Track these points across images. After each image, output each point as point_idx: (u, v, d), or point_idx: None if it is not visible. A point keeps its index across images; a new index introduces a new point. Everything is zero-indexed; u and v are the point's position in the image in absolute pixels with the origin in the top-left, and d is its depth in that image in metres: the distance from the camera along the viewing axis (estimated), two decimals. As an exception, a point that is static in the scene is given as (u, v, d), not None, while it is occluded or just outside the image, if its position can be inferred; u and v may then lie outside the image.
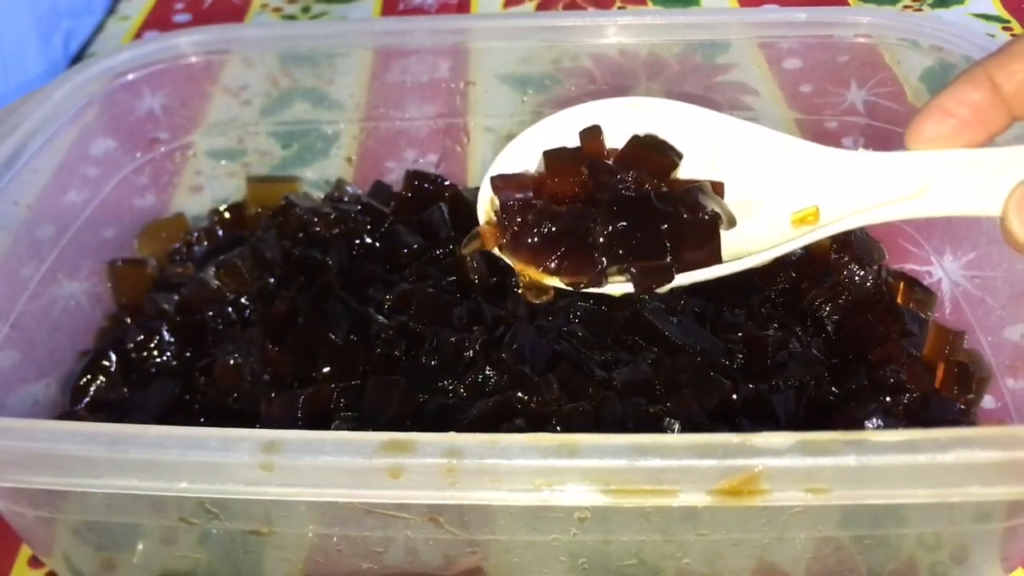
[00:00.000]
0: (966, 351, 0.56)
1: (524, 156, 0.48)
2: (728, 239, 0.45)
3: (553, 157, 0.47)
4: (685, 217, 0.44)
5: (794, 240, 0.44)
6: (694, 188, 0.45)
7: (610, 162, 0.46)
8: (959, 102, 0.39)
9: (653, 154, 0.46)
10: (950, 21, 0.70)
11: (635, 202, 0.44)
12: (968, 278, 0.59)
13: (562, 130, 0.48)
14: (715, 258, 0.45)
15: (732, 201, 0.46)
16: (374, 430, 0.36)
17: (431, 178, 0.67)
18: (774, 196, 0.45)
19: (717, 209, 0.44)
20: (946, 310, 0.60)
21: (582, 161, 0.46)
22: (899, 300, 0.60)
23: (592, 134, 0.47)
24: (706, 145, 0.46)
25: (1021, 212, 0.37)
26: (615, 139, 0.47)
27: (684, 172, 0.47)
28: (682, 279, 0.45)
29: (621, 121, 0.47)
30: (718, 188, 0.46)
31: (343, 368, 0.53)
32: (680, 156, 0.46)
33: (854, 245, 0.60)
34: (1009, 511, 0.41)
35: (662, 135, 0.47)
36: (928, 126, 0.40)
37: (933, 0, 0.93)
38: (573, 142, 0.47)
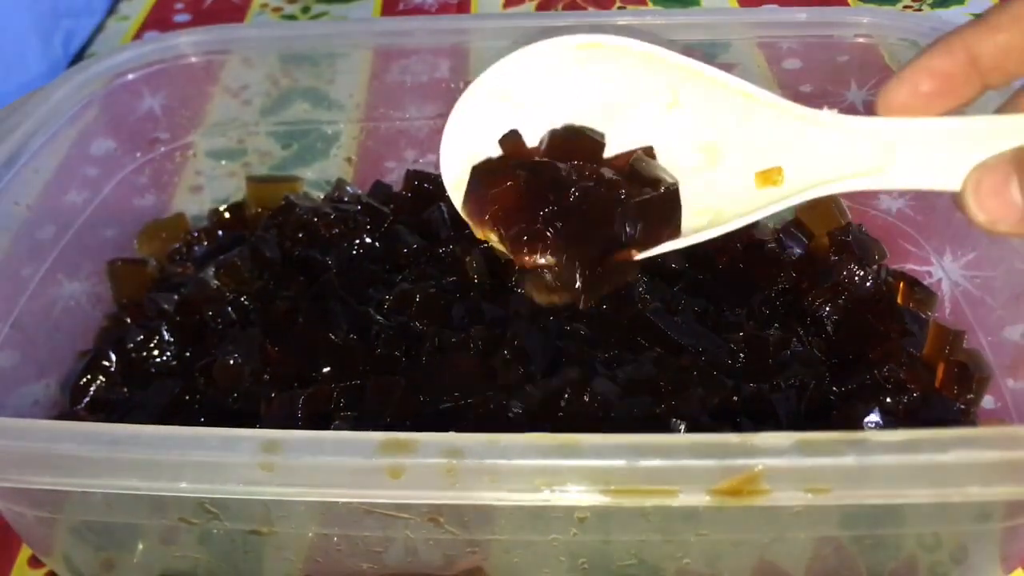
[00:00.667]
0: (966, 351, 0.56)
1: (474, 119, 0.46)
2: (694, 191, 0.44)
3: (482, 171, 0.45)
4: (650, 196, 0.43)
5: (761, 209, 0.42)
6: (636, 160, 0.44)
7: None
8: (932, 71, 0.39)
9: (578, 141, 0.45)
10: (950, 21, 0.70)
11: (593, 194, 0.43)
12: (968, 278, 0.59)
13: (506, 82, 0.46)
14: (677, 230, 0.44)
15: (697, 144, 0.44)
16: (374, 430, 0.36)
17: (431, 178, 0.67)
18: (738, 147, 0.44)
19: (667, 177, 0.44)
20: (946, 310, 0.60)
21: (513, 168, 0.45)
22: (899, 300, 0.60)
23: (512, 139, 0.45)
24: (668, 85, 0.44)
25: (977, 194, 0.37)
26: (564, 88, 0.45)
27: (643, 114, 0.45)
28: (651, 252, 0.44)
29: (566, 66, 0.45)
30: (648, 153, 0.45)
31: (343, 368, 0.53)
32: (602, 136, 0.45)
33: (853, 245, 0.60)
34: (1009, 511, 0.41)
35: (617, 77, 0.45)
36: (899, 94, 0.40)
37: (933, 0, 0.93)
38: (520, 93, 0.45)
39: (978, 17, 0.39)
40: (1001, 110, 0.39)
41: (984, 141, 0.37)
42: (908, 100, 0.40)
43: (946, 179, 0.38)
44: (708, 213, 0.44)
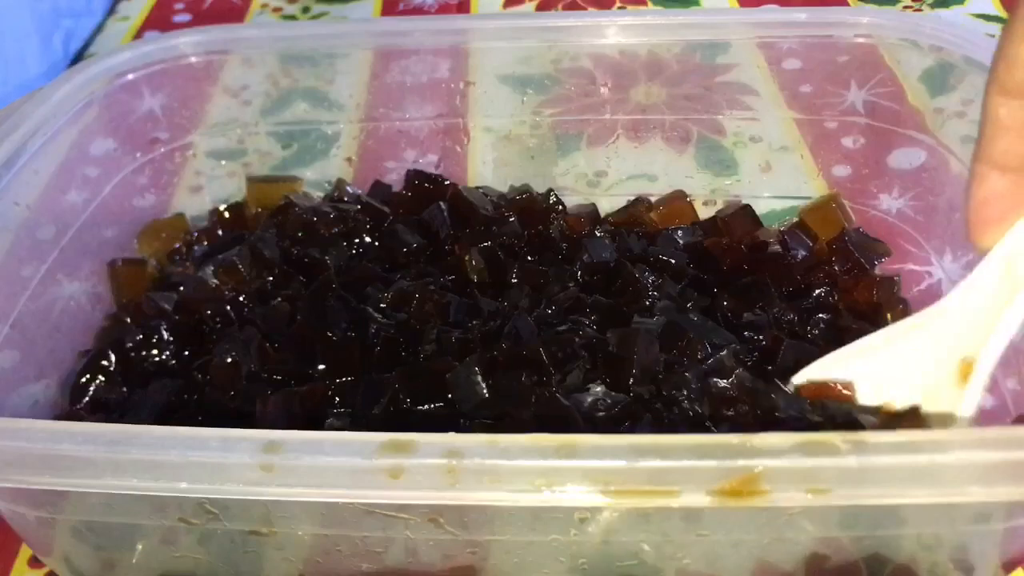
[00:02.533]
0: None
1: None
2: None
3: None
4: None
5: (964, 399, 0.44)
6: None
7: None
8: (991, 161, 0.35)
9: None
10: (950, 21, 0.70)
11: None
12: (968, 278, 0.59)
13: None
14: None
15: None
16: (367, 429, 0.36)
17: (432, 178, 0.67)
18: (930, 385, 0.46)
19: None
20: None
21: None
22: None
23: None
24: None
25: None
26: None
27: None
28: None
29: None
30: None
31: (341, 366, 0.53)
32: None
33: (851, 247, 0.60)
34: (1009, 511, 0.40)
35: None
36: (983, 203, 0.36)
37: (933, 0, 0.93)
38: None
39: (994, 66, 0.35)
40: None
41: None
42: (995, 194, 0.36)
43: None
44: None
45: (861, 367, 0.48)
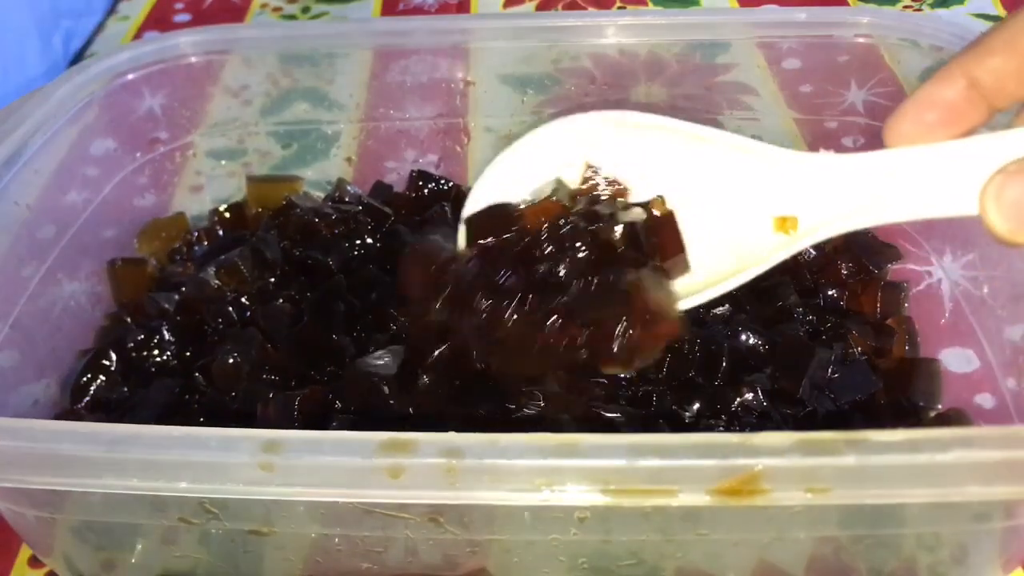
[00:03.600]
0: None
1: (506, 180, 0.49)
2: (716, 248, 0.46)
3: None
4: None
5: (777, 254, 0.44)
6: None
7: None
8: (934, 101, 0.39)
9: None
10: (950, 21, 0.70)
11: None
12: (968, 278, 0.59)
13: (544, 147, 0.48)
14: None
15: (717, 205, 0.47)
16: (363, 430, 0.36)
17: (435, 179, 0.67)
18: (755, 203, 0.45)
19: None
20: (946, 310, 0.60)
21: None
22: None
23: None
24: (691, 156, 0.47)
25: (999, 203, 0.36)
26: (599, 155, 0.48)
27: (665, 172, 0.47)
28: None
29: (603, 136, 0.48)
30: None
31: (342, 369, 0.53)
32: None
33: (857, 251, 0.60)
34: (1009, 511, 0.41)
35: (645, 151, 0.48)
36: (903, 125, 0.40)
37: (933, 0, 0.93)
38: (554, 160, 0.48)
39: (975, 41, 0.39)
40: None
41: (993, 157, 0.37)
42: (913, 130, 0.40)
43: (957, 202, 0.38)
44: (731, 260, 0.46)
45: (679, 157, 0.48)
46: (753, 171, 0.45)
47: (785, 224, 0.44)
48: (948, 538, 0.44)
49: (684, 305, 0.46)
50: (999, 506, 0.40)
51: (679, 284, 0.47)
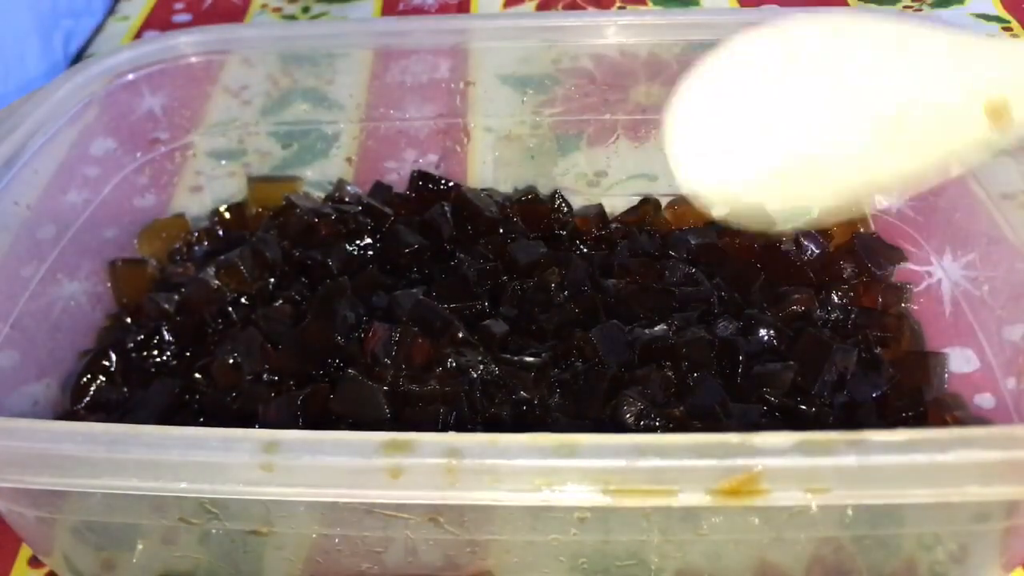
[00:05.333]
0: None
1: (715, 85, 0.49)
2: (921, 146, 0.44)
3: None
4: None
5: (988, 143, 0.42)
6: None
7: None
8: None
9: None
10: (950, 21, 0.70)
11: None
12: (968, 278, 0.59)
13: (752, 55, 0.49)
14: None
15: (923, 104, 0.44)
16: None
17: (435, 179, 0.67)
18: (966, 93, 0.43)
19: None
20: (946, 310, 0.60)
21: None
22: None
23: None
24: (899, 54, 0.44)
25: None
26: (811, 64, 0.47)
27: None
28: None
29: (814, 44, 0.48)
30: None
31: (343, 369, 0.53)
32: None
33: (859, 251, 0.60)
34: (1009, 511, 0.41)
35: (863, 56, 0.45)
36: None
37: (933, 0, 0.93)
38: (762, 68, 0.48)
39: None
40: None
41: None
42: None
43: None
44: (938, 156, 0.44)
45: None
46: (964, 61, 0.42)
47: (998, 111, 0.41)
48: (948, 538, 0.44)
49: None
50: (999, 506, 0.40)
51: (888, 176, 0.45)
